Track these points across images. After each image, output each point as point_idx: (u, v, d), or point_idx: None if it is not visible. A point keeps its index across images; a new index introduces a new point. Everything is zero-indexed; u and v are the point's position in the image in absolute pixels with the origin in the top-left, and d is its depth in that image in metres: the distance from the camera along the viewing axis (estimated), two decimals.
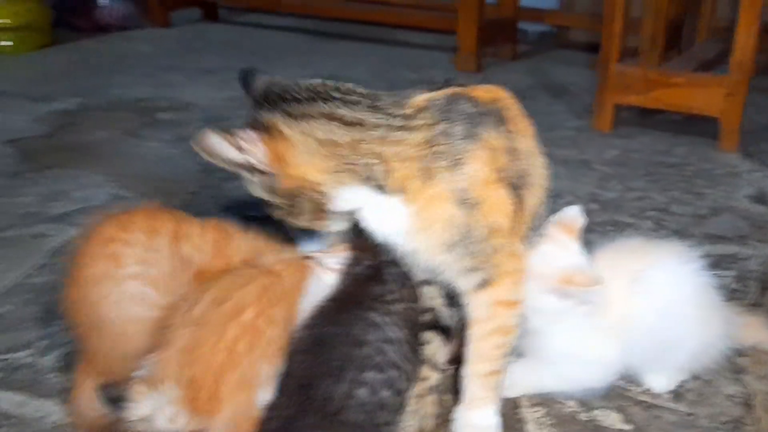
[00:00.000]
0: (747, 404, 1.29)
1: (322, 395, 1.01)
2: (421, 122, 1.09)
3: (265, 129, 1.09)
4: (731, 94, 2.43)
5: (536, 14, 4.14)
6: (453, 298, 1.18)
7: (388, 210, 1.10)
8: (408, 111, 1.11)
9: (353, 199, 1.11)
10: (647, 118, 2.86)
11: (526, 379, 1.28)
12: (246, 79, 1.21)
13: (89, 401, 1.16)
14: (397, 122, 1.09)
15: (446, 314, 1.21)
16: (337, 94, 1.10)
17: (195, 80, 3.34)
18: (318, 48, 4.10)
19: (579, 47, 4.13)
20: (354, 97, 1.11)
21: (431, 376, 1.19)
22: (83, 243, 1.16)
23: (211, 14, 4.77)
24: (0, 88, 3.08)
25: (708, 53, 2.98)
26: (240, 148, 1.09)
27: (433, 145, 1.08)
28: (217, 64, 3.65)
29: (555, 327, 1.21)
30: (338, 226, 1.16)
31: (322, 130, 1.07)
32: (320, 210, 1.12)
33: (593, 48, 3.94)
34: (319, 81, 1.13)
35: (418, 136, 1.08)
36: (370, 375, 1.04)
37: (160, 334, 1.04)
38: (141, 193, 2.09)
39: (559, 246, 1.21)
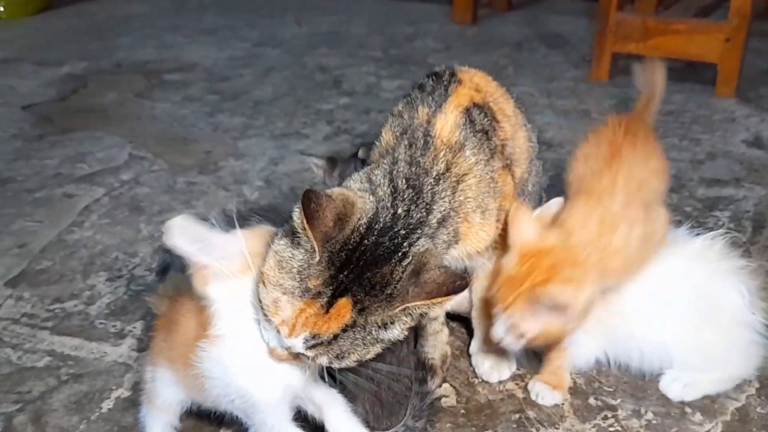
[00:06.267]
0: None
1: None
2: (458, 171, 1.07)
3: None
4: (730, 40, 2.49)
5: None
6: None
7: None
8: (440, 162, 1.06)
9: None
10: None
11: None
12: None
13: None
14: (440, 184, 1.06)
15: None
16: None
17: (196, 40, 3.37)
18: (313, 4, 4.12)
19: None
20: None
21: (439, 314, 1.29)
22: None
23: None
24: (4, 55, 3.11)
25: None
26: None
27: (480, 182, 1.09)
28: (215, 23, 3.68)
29: None
30: None
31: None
32: None
33: None
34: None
35: (469, 182, 1.08)
36: None
37: None
38: (159, 153, 2.16)
39: None
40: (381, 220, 0.98)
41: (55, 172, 2.03)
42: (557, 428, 1.18)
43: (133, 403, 1.19)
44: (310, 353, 0.92)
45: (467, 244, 1.10)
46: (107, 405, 1.19)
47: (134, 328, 1.38)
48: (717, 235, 1.26)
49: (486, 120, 1.13)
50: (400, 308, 0.93)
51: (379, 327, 0.93)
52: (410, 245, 0.97)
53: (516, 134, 1.23)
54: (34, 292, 1.49)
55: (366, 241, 0.95)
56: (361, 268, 0.93)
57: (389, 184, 1.02)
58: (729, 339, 1.22)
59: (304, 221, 0.91)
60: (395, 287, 0.93)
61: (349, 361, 0.94)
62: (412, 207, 1.01)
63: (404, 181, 1.03)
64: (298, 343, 0.91)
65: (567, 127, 2.35)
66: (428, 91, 1.14)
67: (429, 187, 1.03)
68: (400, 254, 0.95)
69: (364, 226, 0.96)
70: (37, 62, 2.99)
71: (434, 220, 1.02)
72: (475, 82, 1.18)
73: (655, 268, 1.19)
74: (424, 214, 1.01)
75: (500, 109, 1.19)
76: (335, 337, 0.91)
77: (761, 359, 1.24)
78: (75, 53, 3.11)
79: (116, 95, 2.64)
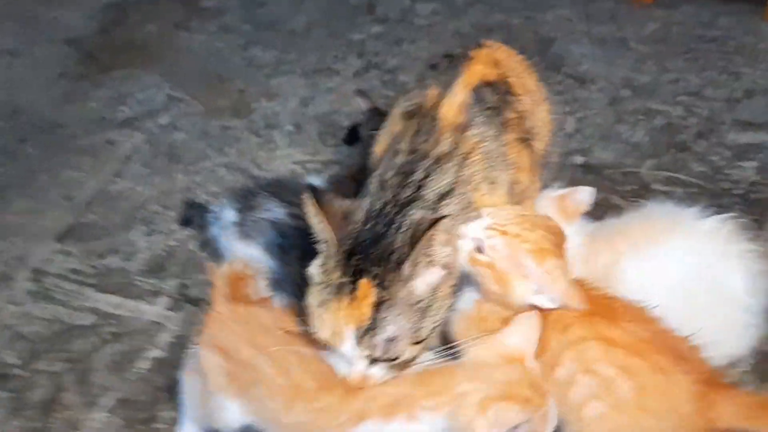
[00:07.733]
0: None
1: None
2: (470, 143, 1.15)
3: None
4: None
5: None
6: None
7: None
8: (444, 144, 1.14)
9: None
10: None
11: None
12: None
13: None
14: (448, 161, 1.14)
15: None
16: None
17: None
18: None
19: None
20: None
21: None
22: None
23: None
24: None
25: None
26: None
27: (487, 157, 1.17)
28: None
29: None
30: None
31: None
32: None
33: None
34: None
35: (475, 158, 1.15)
36: None
37: None
38: (195, 93, 2.24)
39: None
40: (375, 207, 1.09)
41: (99, 116, 2.14)
42: None
43: (167, 364, 1.35)
44: (364, 352, 1.00)
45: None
46: (144, 365, 1.35)
47: (168, 286, 1.52)
48: (727, 218, 1.27)
49: (496, 97, 1.20)
50: (406, 264, 1.01)
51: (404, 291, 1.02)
52: (404, 216, 1.07)
53: (537, 108, 1.29)
54: (81, 248, 1.64)
55: (365, 227, 1.06)
56: (367, 248, 1.03)
57: (377, 182, 1.14)
58: (724, 321, 1.23)
59: (315, 211, 1.03)
60: (398, 252, 1.03)
61: (404, 344, 1.01)
62: (399, 190, 1.10)
63: (393, 172, 1.13)
64: (350, 347, 1.00)
65: (601, 58, 2.29)
66: (441, 70, 1.24)
67: (422, 169, 1.12)
68: (395, 226, 1.06)
69: (363, 217, 1.08)
70: None
71: (431, 195, 1.11)
72: (495, 57, 1.24)
73: (661, 246, 1.22)
74: (414, 190, 1.10)
75: (521, 83, 1.26)
76: (374, 320, 0.99)
77: (756, 340, 1.27)
78: None
79: (156, 26, 2.68)
